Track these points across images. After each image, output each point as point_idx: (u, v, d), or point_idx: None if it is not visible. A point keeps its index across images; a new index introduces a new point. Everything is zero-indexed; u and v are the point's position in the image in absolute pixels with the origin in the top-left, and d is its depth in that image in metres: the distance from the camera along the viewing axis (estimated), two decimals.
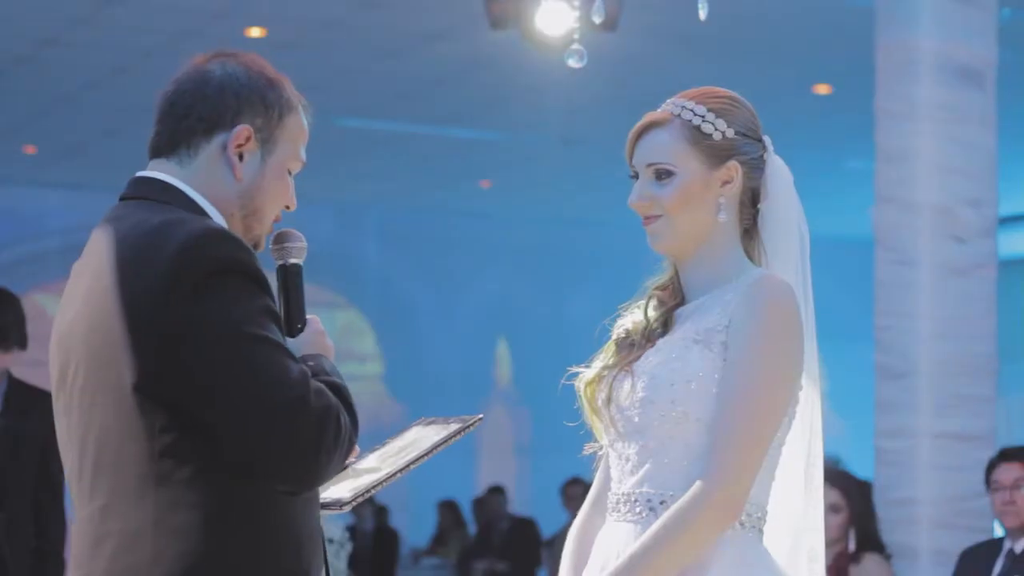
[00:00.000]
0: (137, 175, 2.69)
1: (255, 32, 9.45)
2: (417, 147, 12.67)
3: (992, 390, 6.80)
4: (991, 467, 6.07)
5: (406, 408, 14.77)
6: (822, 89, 10.68)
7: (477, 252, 15.69)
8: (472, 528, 13.73)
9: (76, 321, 2.56)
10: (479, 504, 13.42)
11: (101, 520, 2.51)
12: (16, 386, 6.00)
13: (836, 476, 6.57)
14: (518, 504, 14.11)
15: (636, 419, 2.89)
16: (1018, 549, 5.95)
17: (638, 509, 2.87)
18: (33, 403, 5.99)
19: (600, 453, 3.07)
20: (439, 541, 14.03)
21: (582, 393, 3.00)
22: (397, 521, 13.71)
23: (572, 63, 5.36)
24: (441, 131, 12.13)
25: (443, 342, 15.72)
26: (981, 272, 6.77)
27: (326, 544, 2.67)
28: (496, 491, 13.14)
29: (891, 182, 6.81)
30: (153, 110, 2.70)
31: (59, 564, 5.98)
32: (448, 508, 14.03)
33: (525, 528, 12.82)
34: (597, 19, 4.86)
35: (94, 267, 2.56)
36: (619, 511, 2.91)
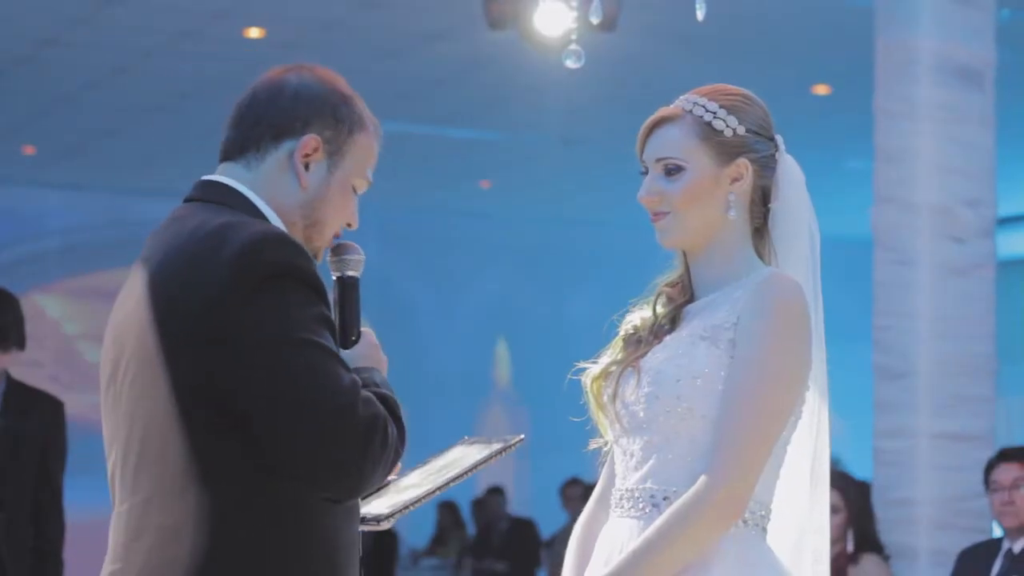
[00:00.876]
0: (203, 179, 2.71)
1: (254, 32, 9.45)
2: (417, 147, 12.67)
3: (991, 390, 6.80)
4: (990, 467, 6.06)
5: (405, 409, 14.67)
6: (821, 89, 10.68)
7: (477, 252, 15.70)
8: (471, 529, 13.73)
9: (131, 317, 2.58)
10: (478, 505, 13.42)
11: (142, 513, 2.53)
12: (15, 387, 6.00)
13: (834, 476, 6.55)
14: (517, 505, 14.11)
15: (641, 414, 2.88)
16: (1016, 549, 5.94)
17: (641, 505, 2.87)
18: (32, 403, 5.99)
19: (605, 450, 3.07)
20: (438, 542, 14.03)
21: (588, 388, 3.00)
22: (396, 521, 13.69)
23: (570, 63, 5.37)
24: (441, 131, 12.13)
25: (443, 342, 15.72)
26: (980, 272, 6.77)
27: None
28: (495, 492, 13.14)
29: (890, 182, 6.81)
30: (226, 119, 2.73)
31: (58, 564, 5.98)
32: (447, 509, 14.03)
33: (524, 529, 12.82)
34: (595, 19, 4.87)
35: (153, 265, 2.58)
36: (622, 507, 2.91)
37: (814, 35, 9.42)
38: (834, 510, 6.37)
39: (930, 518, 6.62)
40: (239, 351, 2.45)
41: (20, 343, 5.95)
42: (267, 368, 2.45)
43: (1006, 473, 5.97)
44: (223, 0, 8.88)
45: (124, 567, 2.53)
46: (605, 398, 2.96)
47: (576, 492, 11.53)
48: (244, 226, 2.53)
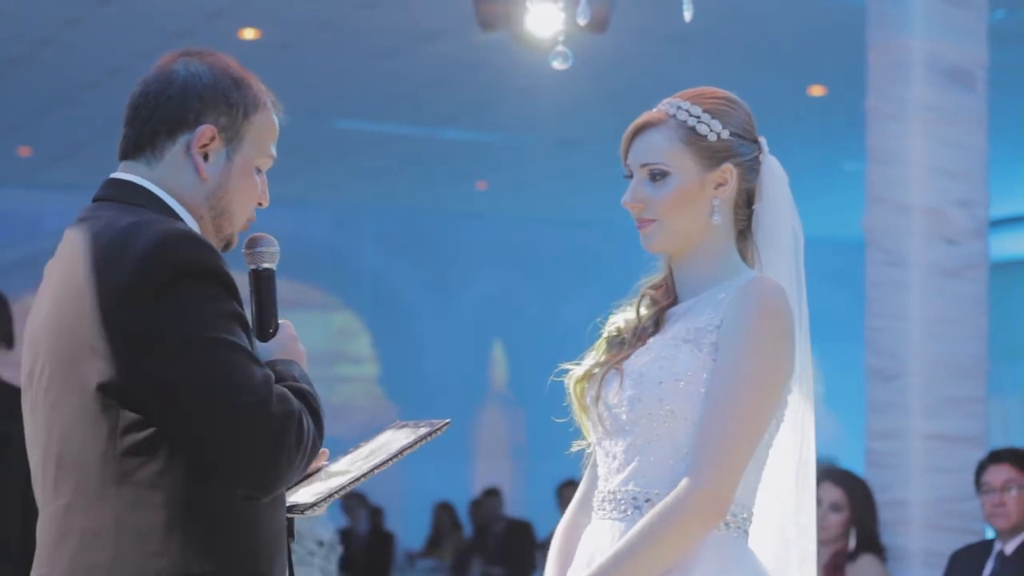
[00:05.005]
0: (109, 177, 2.70)
1: (249, 33, 9.45)
2: (413, 148, 12.67)
3: (983, 391, 6.79)
4: (981, 469, 6.06)
5: (402, 410, 14.75)
6: (817, 90, 10.67)
7: (473, 253, 15.69)
8: (468, 530, 13.73)
9: (45, 321, 2.58)
10: (475, 506, 13.42)
11: (64, 518, 2.53)
12: (2, 388, 5.98)
13: (840, 475, 6.62)
14: (513, 506, 14.10)
15: (623, 416, 2.89)
16: (1008, 551, 5.94)
17: (623, 507, 2.88)
18: (20, 404, 5.96)
19: (588, 452, 3.07)
20: (434, 543, 14.02)
21: (571, 390, 3.01)
22: (392, 523, 13.70)
23: (556, 64, 5.38)
24: (437, 132, 12.13)
25: (439, 344, 15.71)
26: (972, 273, 6.76)
27: (291, 548, 2.67)
28: (491, 493, 13.14)
29: (882, 183, 6.80)
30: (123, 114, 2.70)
31: None
32: (444, 510, 14.03)
33: (520, 530, 12.81)
34: (581, 21, 4.88)
35: (64, 268, 2.58)
36: (604, 509, 2.92)
37: (810, 35, 9.42)
38: (837, 508, 6.40)
39: (922, 519, 6.62)
40: (150, 351, 2.45)
41: (8, 340, 5.93)
42: (178, 367, 2.44)
43: (997, 475, 5.97)
44: (218, 1, 8.88)
45: (50, 572, 2.54)
46: (588, 400, 2.96)
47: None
48: (151, 225, 2.51)
